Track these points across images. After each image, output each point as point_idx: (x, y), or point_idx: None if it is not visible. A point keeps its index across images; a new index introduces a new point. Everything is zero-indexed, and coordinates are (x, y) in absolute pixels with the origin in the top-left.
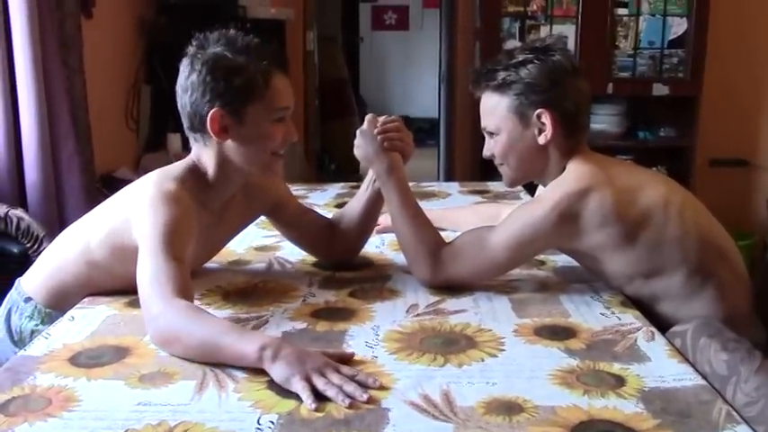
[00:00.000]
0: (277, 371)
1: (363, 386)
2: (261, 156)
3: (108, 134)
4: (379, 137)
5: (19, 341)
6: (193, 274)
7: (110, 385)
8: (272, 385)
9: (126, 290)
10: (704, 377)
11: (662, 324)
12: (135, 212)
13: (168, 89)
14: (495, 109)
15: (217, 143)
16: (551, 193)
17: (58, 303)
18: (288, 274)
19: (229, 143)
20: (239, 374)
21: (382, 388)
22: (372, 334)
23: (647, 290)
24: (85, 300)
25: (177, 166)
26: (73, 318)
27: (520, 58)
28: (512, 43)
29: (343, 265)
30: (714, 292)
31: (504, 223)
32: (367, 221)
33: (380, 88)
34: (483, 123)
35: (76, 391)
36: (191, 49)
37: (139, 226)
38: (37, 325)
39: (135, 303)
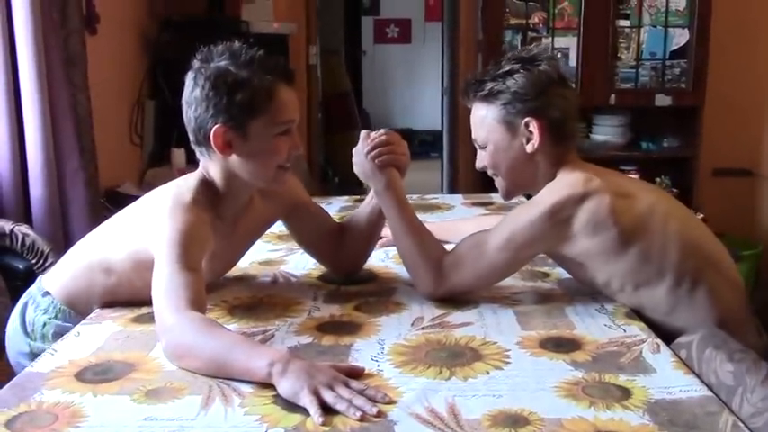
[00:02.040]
0: (285, 385)
1: (372, 401)
2: (266, 170)
3: (112, 149)
4: (369, 156)
5: (31, 333)
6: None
7: (116, 401)
8: (279, 399)
9: (143, 300)
10: (710, 388)
11: (656, 333)
12: (153, 225)
13: (172, 104)
14: (483, 120)
15: (222, 158)
16: (547, 196)
17: (75, 304)
18: (293, 287)
19: (234, 158)
20: (245, 389)
21: (389, 402)
22: (378, 347)
23: (636, 299)
24: (92, 315)
25: (190, 179)
26: (79, 333)
27: (506, 68)
28: None
29: (348, 279)
30: (704, 298)
31: (500, 226)
32: (371, 233)
33: (383, 101)
34: (473, 135)
35: (83, 406)
36: (195, 63)
37: (156, 236)
38: (50, 318)
39: (141, 319)
